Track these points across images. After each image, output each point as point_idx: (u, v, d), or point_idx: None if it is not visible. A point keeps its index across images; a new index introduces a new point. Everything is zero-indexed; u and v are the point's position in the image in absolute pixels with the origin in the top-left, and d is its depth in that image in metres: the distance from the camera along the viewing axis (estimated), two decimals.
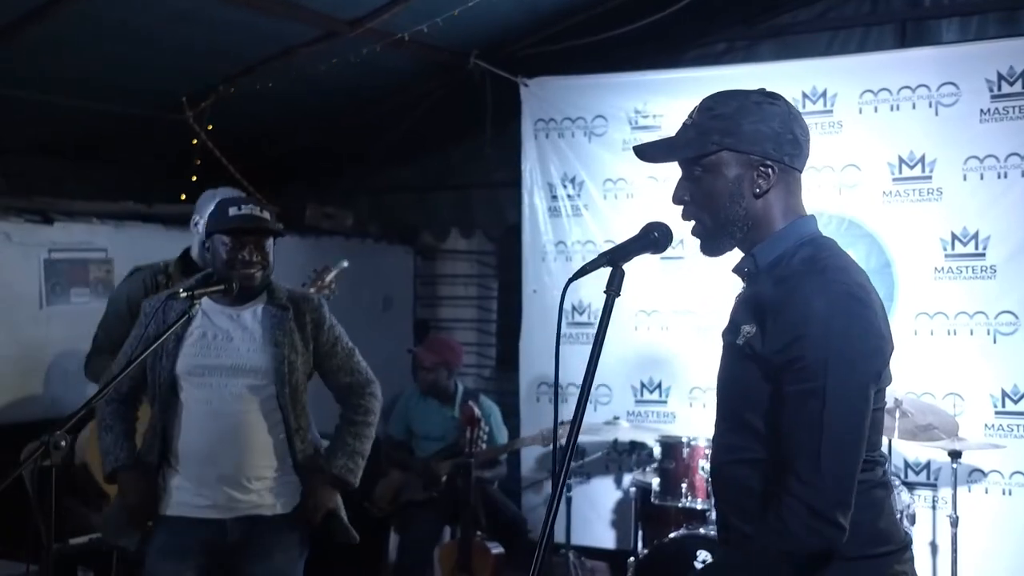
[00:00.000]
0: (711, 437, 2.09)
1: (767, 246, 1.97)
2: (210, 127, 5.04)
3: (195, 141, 5.08)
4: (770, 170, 1.95)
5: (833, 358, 1.79)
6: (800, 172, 2.01)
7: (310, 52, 4.79)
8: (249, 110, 5.25)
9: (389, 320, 6.49)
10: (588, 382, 1.82)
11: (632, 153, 2.07)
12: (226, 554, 3.07)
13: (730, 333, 1.99)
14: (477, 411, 4.55)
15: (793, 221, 1.98)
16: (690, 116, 2.00)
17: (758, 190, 1.95)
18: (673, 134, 2.02)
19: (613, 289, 1.90)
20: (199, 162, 5.18)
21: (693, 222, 2.01)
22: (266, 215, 3.08)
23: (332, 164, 6.35)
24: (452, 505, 4.73)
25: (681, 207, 2.02)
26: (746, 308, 1.97)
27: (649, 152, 2.04)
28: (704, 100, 2.00)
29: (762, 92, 1.99)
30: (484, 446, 4.60)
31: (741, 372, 1.93)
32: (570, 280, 1.91)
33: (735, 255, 2.04)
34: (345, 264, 4.20)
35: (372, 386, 3.28)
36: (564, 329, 5.29)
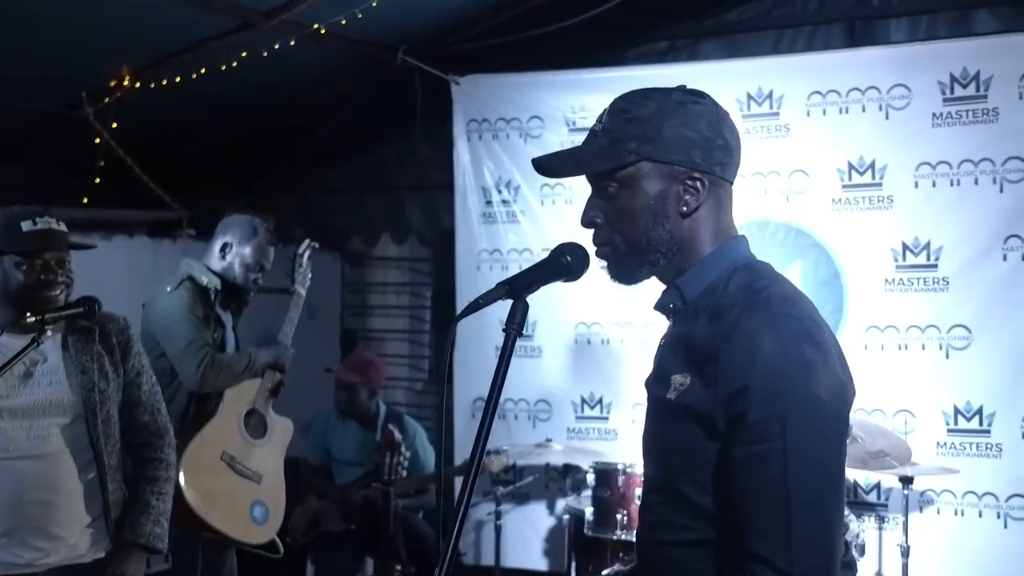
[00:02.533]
0: (639, 502, 1.76)
1: (693, 276, 1.64)
2: (114, 125, 4.71)
3: (98, 140, 4.73)
4: (698, 183, 1.62)
5: (791, 409, 1.47)
6: (731, 184, 1.69)
7: (223, 44, 4.49)
8: (159, 106, 4.93)
9: (314, 330, 6.16)
10: (487, 420, 1.53)
11: None
12: None
13: (657, 384, 1.65)
14: (398, 435, 4.27)
15: (722, 244, 1.66)
16: (599, 120, 1.67)
17: (685, 208, 1.63)
18: (580, 143, 1.70)
19: (514, 326, 1.59)
20: (103, 163, 4.83)
21: (609, 248, 1.67)
22: (63, 227, 2.77)
23: (254, 165, 6.06)
24: (371, 536, 4.45)
25: (592, 231, 1.68)
26: (676, 353, 1.63)
27: (552, 165, 1.69)
28: (615, 101, 1.67)
29: (684, 90, 1.67)
30: (405, 473, 4.32)
31: (675, 434, 1.59)
32: (460, 316, 1.60)
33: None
34: (315, 245, 4.13)
35: (169, 435, 2.99)
36: (501, 343, 5.05)
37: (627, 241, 1.65)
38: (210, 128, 5.48)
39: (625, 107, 1.65)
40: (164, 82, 4.59)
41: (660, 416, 1.65)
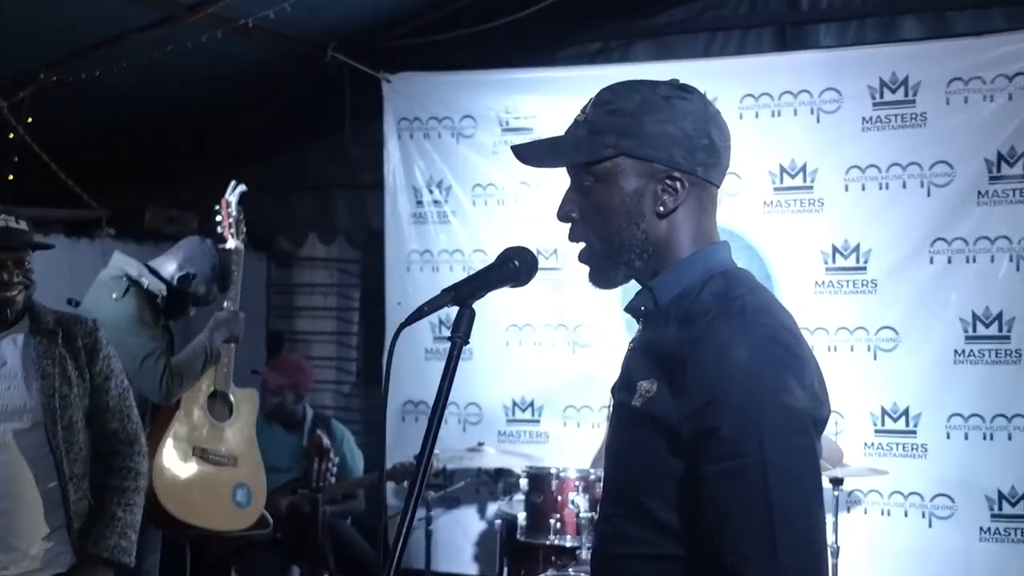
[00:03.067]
0: (596, 519, 1.70)
1: (668, 279, 1.56)
2: (30, 119, 4.53)
3: (12, 135, 4.55)
4: (678, 183, 1.55)
5: (766, 422, 1.39)
6: (717, 187, 1.62)
7: (147, 38, 4.36)
8: (79, 101, 4.77)
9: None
10: (433, 432, 1.50)
11: (504, 156, 1.70)
12: None
13: (623, 390, 1.56)
14: (326, 440, 4.18)
15: (702, 248, 1.58)
16: (583, 111, 1.59)
17: (662, 208, 1.55)
18: (563, 132, 1.63)
19: (460, 334, 1.53)
20: (17, 159, 4.65)
21: (582, 244, 1.60)
22: (23, 226, 2.68)
23: (178, 163, 5.90)
24: (298, 544, 4.34)
25: (568, 225, 1.61)
26: (644, 359, 1.55)
27: (530, 153, 1.61)
28: (601, 91, 1.60)
29: (674, 84, 1.60)
30: (333, 479, 4.23)
31: (638, 443, 1.50)
32: (403, 325, 1.53)
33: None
34: (243, 187, 3.91)
35: (140, 443, 2.87)
36: (432, 345, 5.04)
37: (601, 239, 1.58)
38: (132, 124, 5.31)
39: (610, 98, 1.57)
40: (84, 76, 4.43)
41: (624, 423, 1.56)
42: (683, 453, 1.44)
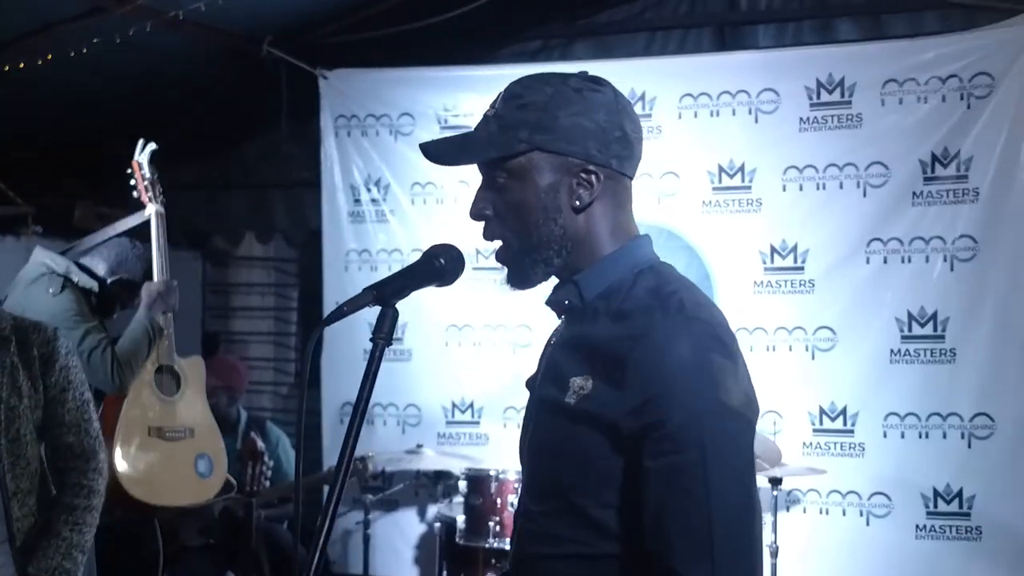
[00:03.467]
0: (516, 510, 1.65)
1: (594, 274, 1.54)
2: None
3: None
4: (593, 176, 1.53)
5: (707, 418, 1.39)
6: (631, 179, 1.60)
7: (73, 29, 4.24)
8: (2, 95, 4.61)
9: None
10: (354, 432, 1.46)
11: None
12: None
13: (550, 386, 1.54)
14: (260, 443, 4.10)
15: (625, 244, 1.56)
16: (492, 106, 1.57)
17: (578, 202, 1.53)
18: (472, 128, 1.59)
19: (382, 335, 1.49)
20: None
21: (499, 243, 1.57)
22: None
23: (108, 160, 5.74)
24: (232, 550, 4.25)
25: (483, 224, 1.58)
26: (574, 354, 1.53)
27: (439, 151, 1.59)
28: (510, 85, 1.57)
29: (583, 76, 1.58)
30: (268, 483, 4.15)
31: (571, 441, 1.48)
32: (324, 323, 1.49)
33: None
34: (152, 145, 3.76)
35: (98, 459, 2.71)
36: (368, 345, 4.94)
37: (518, 237, 1.55)
38: (60, 119, 5.18)
39: (520, 92, 1.55)
40: (7, 68, 4.30)
41: (552, 420, 1.53)
42: (623, 450, 1.43)
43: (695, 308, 1.48)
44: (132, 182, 3.79)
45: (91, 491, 2.67)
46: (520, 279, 1.58)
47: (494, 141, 1.54)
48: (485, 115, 1.57)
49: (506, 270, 1.59)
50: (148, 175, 3.76)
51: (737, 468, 1.42)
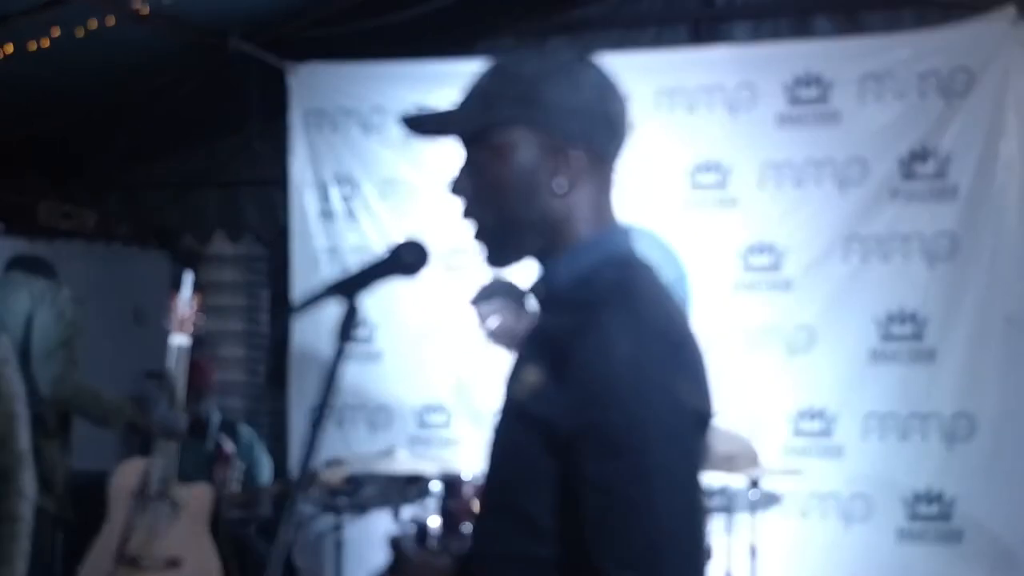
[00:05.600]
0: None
1: (563, 263, 1.47)
2: None
3: None
4: (574, 157, 1.46)
5: (652, 420, 1.31)
6: (614, 162, 1.54)
7: (31, 20, 4.13)
8: None
9: (140, 335, 5.81)
10: (316, 432, 1.47)
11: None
12: None
13: (512, 380, 1.47)
14: (231, 446, 4.00)
15: (600, 233, 1.49)
16: (477, 79, 1.51)
17: (559, 183, 1.46)
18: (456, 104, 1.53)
19: (345, 331, 1.44)
20: None
21: (476, 224, 1.51)
22: None
23: (72, 157, 5.65)
24: None
25: (461, 202, 1.52)
26: (531, 346, 1.46)
27: (420, 123, 1.54)
28: (497, 59, 1.52)
29: (571, 54, 1.51)
30: (239, 486, 4.06)
31: (514, 438, 1.41)
32: (284, 321, 1.43)
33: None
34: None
35: (22, 478, 2.49)
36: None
37: (495, 216, 1.48)
38: (20, 114, 5.05)
39: (505, 65, 1.49)
40: None
41: (504, 417, 1.47)
42: (557, 450, 1.34)
43: (649, 305, 1.42)
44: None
45: (11, 517, 2.46)
46: (497, 257, 1.52)
47: (474, 115, 1.48)
48: (469, 89, 1.52)
49: (484, 251, 1.53)
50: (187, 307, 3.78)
51: (681, 473, 1.34)
